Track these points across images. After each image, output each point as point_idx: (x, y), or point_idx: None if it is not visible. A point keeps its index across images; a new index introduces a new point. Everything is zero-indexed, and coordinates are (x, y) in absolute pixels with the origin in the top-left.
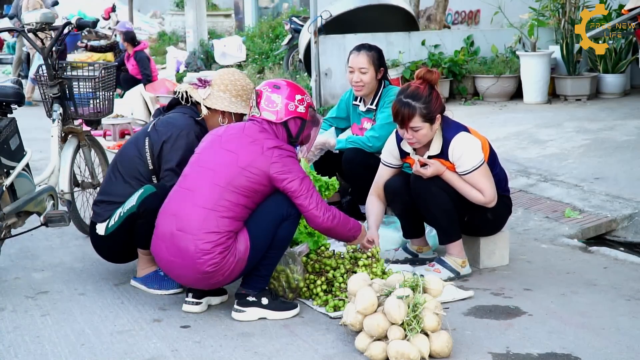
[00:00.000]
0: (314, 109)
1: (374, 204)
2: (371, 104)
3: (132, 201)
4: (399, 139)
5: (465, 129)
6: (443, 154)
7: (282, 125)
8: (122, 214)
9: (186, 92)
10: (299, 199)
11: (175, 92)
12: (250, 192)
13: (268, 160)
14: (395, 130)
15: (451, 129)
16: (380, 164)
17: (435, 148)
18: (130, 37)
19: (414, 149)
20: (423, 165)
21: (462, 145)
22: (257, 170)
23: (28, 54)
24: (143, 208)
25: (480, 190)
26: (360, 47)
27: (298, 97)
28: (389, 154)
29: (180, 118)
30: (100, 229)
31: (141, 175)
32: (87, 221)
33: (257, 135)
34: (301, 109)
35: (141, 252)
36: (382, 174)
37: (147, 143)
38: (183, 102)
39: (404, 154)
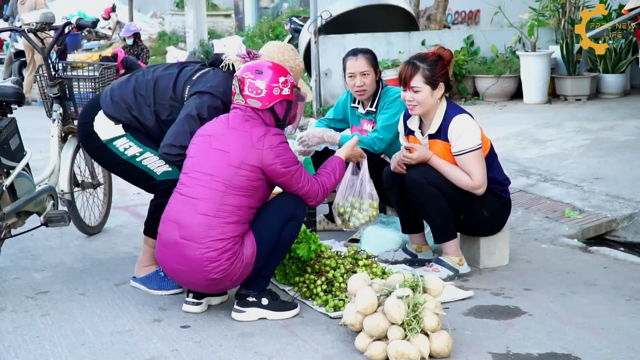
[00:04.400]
0: (297, 88)
1: None
2: (371, 106)
3: (156, 167)
4: (406, 117)
5: (470, 115)
6: (440, 134)
7: (268, 111)
8: (140, 161)
9: (232, 65)
10: (298, 191)
11: (222, 60)
12: (251, 190)
13: (260, 153)
14: (404, 111)
15: (455, 109)
16: None
17: (435, 126)
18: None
19: (419, 127)
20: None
21: (463, 124)
22: (250, 166)
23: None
24: (165, 186)
25: (469, 173)
26: (356, 52)
27: (282, 79)
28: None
29: (219, 80)
30: (104, 126)
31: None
32: (87, 221)
33: (242, 125)
34: (286, 91)
35: (146, 242)
36: None
37: (187, 91)
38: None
39: (408, 132)
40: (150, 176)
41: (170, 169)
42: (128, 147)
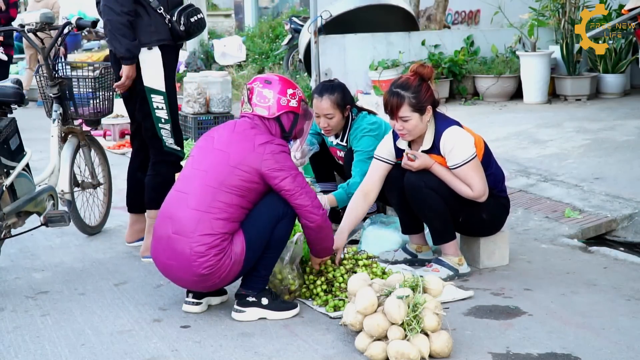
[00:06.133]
0: (305, 102)
1: (356, 204)
2: (341, 141)
3: (168, 138)
4: (396, 137)
5: (458, 124)
6: (434, 149)
7: (274, 121)
8: (160, 128)
9: None
10: (293, 197)
11: None
12: (244, 191)
13: (259, 157)
14: (392, 130)
15: (443, 122)
16: (374, 160)
17: (427, 143)
18: None
19: (409, 145)
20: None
21: (454, 138)
22: (248, 168)
23: None
24: (168, 158)
25: (469, 184)
26: (322, 91)
27: (290, 91)
28: (384, 150)
29: None
30: (152, 69)
31: None
32: (87, 221)
33: (247, 132)
34: (293, 103)
35: (149, 215)
36: (374, 170)
37: None
38: None
39: (399, 153)
40: (161, 140)
41: (177, 147)
42: (161, 108)
